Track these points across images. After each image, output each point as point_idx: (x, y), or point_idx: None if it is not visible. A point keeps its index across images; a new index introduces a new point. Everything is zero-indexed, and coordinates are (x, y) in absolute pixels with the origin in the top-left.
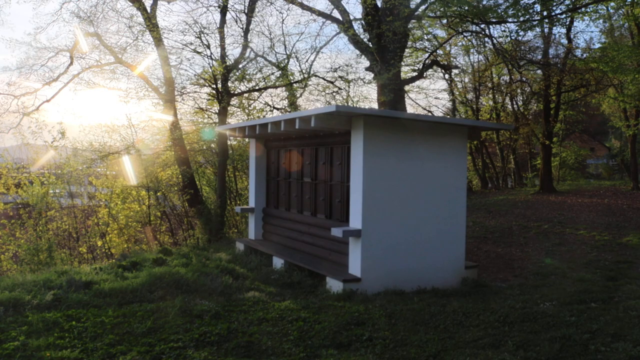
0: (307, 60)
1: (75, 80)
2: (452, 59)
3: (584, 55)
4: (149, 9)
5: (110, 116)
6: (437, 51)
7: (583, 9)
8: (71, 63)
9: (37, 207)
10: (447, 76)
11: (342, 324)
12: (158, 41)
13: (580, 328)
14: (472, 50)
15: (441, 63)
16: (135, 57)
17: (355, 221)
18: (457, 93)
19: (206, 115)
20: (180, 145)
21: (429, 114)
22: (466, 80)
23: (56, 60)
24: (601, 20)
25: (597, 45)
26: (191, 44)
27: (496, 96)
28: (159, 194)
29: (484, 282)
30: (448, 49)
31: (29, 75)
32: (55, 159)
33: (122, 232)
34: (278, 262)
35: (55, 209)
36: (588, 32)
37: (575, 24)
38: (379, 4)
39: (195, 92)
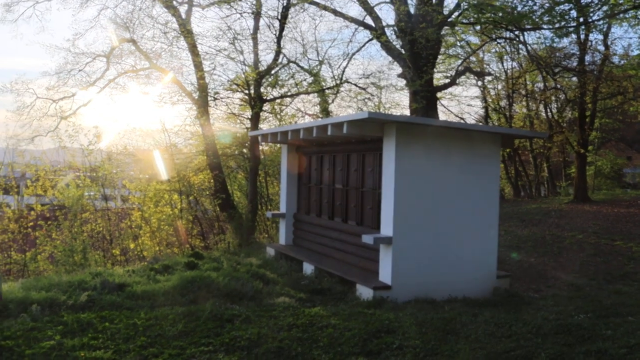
0: (339, 67)
1: (111, 84)
2: (485, 65)
3: (622, 62)
4: (183, 15)
5: (144, 120)
6: (470, 58)
7: (621, 15)
8: (107, 68)
9: (72, 209)
10: (480, 83)
11: (372, 332)
12: (192, 47)
13: (616, 342)
14: (505, 56)
15: (474, 70)
16: (170, 63)
17: (387, 228)
18: (490, 100)
19: (238, 121)
20: (212, 150)
21: (462, 121)
22: (499, 87)
23: (93, 65)
24: None
25: (636, 52)
26: (225, 49)
27: (530, 103)
28: (191, 198)
29: (516, 292)
30: (481, 55)
31: (67, 80)
32: (91, 161)
33: (154, 235)
34: (308, 268)
35: (89, 211)
36: (626, 38)
37: (612, 29)
38: (412, 11)
39: (228, 97)
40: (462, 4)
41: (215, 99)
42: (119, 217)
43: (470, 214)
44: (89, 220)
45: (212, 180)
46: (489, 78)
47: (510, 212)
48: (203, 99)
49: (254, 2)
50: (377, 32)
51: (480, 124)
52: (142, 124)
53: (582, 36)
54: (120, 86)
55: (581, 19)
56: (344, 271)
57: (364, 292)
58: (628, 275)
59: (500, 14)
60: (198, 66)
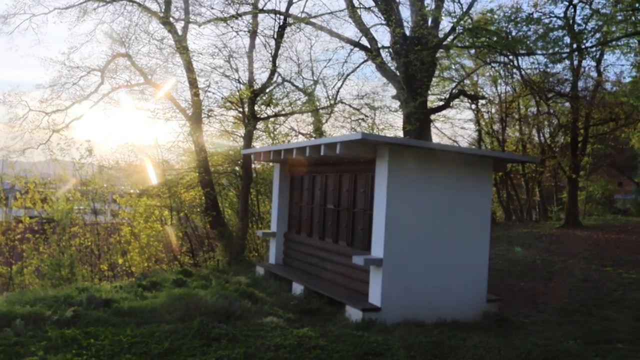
0: (333, 87)
1: (105, 99)
2: (479, 89)
3: (614, 89)
4: (180, 32)
5: (137, 135)
6: (465, 81)
7: (614, 42)
8: (102, 82)
9: (61, 223)
10: (473, 106)
11: (360, 354)
12: (187, 64)
13: None
14: (499, 80)
15: (468, 93)
16: (164, 79)
17: (377, 250)
18: (484, 123)
19: (231, 138)
20: (204, 167)
21: (455, 143)
22: (493, 110)
23: (87, 79)
24: (632, 54)
25: (628, 79)
26: (220, 67)
27: (523, 127)
28: (181, 214)
29: (506, 317)
30: (475, 79)
31: (61, 93)
32: (82, 175)
33: (144, 251)
34: (298, 288)
35: (78, 225)
36: (618, 65)
37: (605, 56)
38: (407, 33)
39: (222, 114)
40: (457, 28)
41: (209, 116)
42: (108, 232)
43: (461, 236)
44: (78, 235)
45: (203, 197)
46: (482, 101)
47: (501, 236)
48: (197, 116)
49: (250, 21)
50: (373, 53)
51: (473, 147)
52: (135, 139)
53: (576, 62)
54: (114, 101)
55: (574, 46)
56: (333, 292)
57: (353, 313)
58: (618, 302)
59: (495, 39)
60: (193, 83)
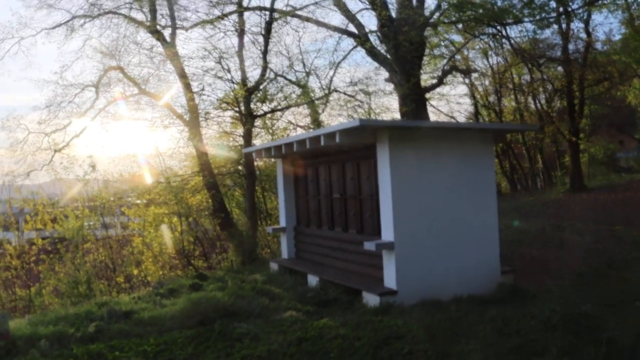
0: (326, 76)
1: (102, 113)
2: (470, 62)
3: (605, 48)
4: (168, 39)
5: (138, 146)
6: (455, 56)
7: (600, 1)
8: (97, 97)
9: (73, 241)
10: (467, 80)
11: (381, 339)
12: (179, 69)
13: (625, 330)
14: (490, 52)
15: (460, 68)
16: (158, 87)
17: (387, 234)
18: (479, 97)
19: (231, 139)
20: (207, 170)
21: (452, 120)
22: (487, 83)
23: (82, 95)
24: (620, 11)
25: (618, 37)
26: (212, 69)
27: (518, 96)
28: (190, 219)
29: (521, 287)
30: (466, 53)
31: (58, 113)
32: (88, 191)
33: (157, 260)
34: (313, 280)
35: (91, 241)
36: (607, 24)
37: (593, 17)
38: (393, 15)
39: (219, 116)
40: (442, 4)
41: (206, 118)
42: (120, 245)
43: (469, 211)
44: (91, 250)
45: (209, 200)
46: (475, 75)
47: (509, 207)
48: (194, 120)
49: (237, 20)
50: (361, 39)
51: (471, 121)
52: (136, 149)
53: (564, 26)
54: (111, 114)
55: (561, 9)
56: (348, 280)
57: (371, 299)
58: (631, 262)
59: (481, 11)
60: (187, 87)
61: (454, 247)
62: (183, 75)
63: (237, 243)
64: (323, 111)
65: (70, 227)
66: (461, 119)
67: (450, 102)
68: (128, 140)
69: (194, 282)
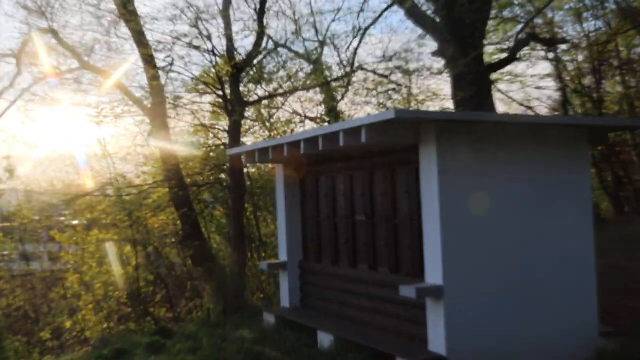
0: (348, 48)
1: (26, 96)
2: (557, 29)
3: None
4: None
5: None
6: (536, 20)
7: None
8: (19, 72)
9: None
10: (551, 55)
11: None
12: (138, 35)
13: None
14: (585, 14)
15: (542, 37)
16: (108, 60)
17: (434, 274)
18: (568, 78)
19: (211, 135)
20: (176, 179)
21: (528, 111)
22: (580, 58)
23: None
24: None
25: None
26: (185, 35)
27: (627, 78)
28: (149, 249)
29: (632, 355)
30: (551, 15)
31: None
32: (2, 207)
33: (100, 307)
34: (326, 339)
35: (4, 278)
36: None
37: None
38: None
39: (195, 102)
40: None
41: (175, 105)
42: (47, 285)
43: (553, 244)
44: (4, 292)
45: (178, 222)
46: (564, 47)
47: (613, 238)
48: (158, 108)
49: None
50: None
51: (557, 113)
52: (74, 148)
53: None
54: (38, 97)
55: None
56: (377, 341)
57: None
58: None
59: None
60: (148, 61)
61: (531, 295)
62: (143, 44)
63: (217, 284)
64: (343, 97)
65: None
66: (542, 110)
67: (527, 86)
68: (63, 134)
69: (154, 340)
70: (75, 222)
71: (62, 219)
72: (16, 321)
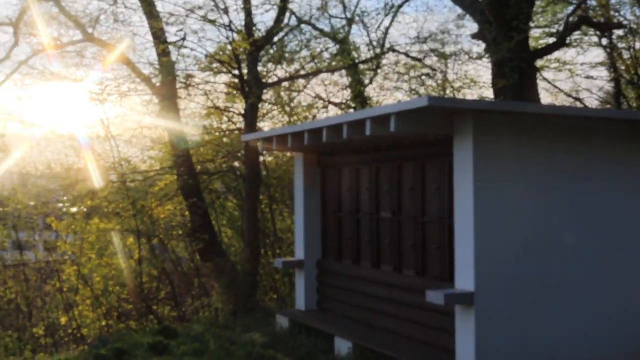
0: (378, 27)
1: (23, 69)
2: (612, 12)
3: None
4: None
5: (78, 123)
6: (588, 2)
7: None
8: (16, 43)
9: None
10: (605, 41)
11: None
12: (148, 6)
13: None
14: None
15: (595, 20)
16: (114, 32)
17: (465, 280)
18: (623, 67)
19: (225, 118)
20: (186, 166)
21: (576, 103)
22: (638, 46)
23: None
24: None
25: None
26: (199, 8)
27: None
28: (154, 241)
29: None
30: None
31: None
32: None
33: (99, 303)
34: (344, 346)
35: None
36: None
37: None
38: None
39: (208, 82)
40: None
41: (187, 85)
42: (42, 277)
43: (605, 249)
44: None
45: (187, 213)
46: (619, 32)
47: None
48: (168, 86)
49: None
50: None
51: (609, 106)
52: (75, 128)
53: None
54: (37, 70)
55: None
56: (400, 350)
57: None
58: None
59: None
60: (159, 36)
61: (580, 308)
62: (154, 16)
63: (227, 282)
64: (371, 81)
65: None
66: (592, 102)
67: (576, 75)
68: (63, 113)
69: (157, 340)
70: (74, 210)
71: (60, 205)
72: (7, 315)
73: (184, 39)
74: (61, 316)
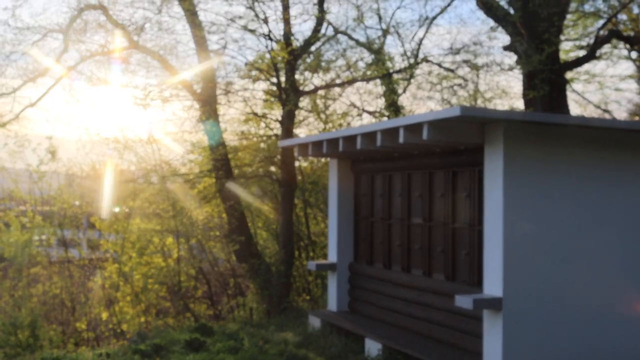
0: (413, 38)
1: (72, 74)
2: None
3: None
4: None
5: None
6: (619, 16)
7: None
8: (65, 49)
9: (15, 262)
10: (634, 54)
11: None
12: (191, 15)
13: None
14: None
15: (625, 34)
16: (158, 40)
17: (493, 285)
18: None
19: (263, 124)
20: (224, 170)
21: (605, 115)
22: None
23: (44, 45)
24: None
25: None
26: (240, 17)
27: None
28: (193, 241)
29: None
30: (636, 11)
31: (5, 68)
32: (42, 190)
33: (138, 299)
34: (373, 347)
35: (41, 264)
36: None
37: None
38: None
39: (247, 89)
40: None
41: (227, 91)
42: (85, 273)
43: (625, 254)
44: (41, 279)
45: (224, 215)
46: None
47: None
48: (209, 93)
49: None
50: None
51: (637, 118)
52: (119, 132)
53: None
54: (85, 76)
55: None
56: (428, 352)
57: None
58: None
59: None
60: (201, 44)
61: (606, 313)
62: (196, 25)
63: (262, 283)
64: (405, 91)
65: (12, 241)
66: (620, 114)
67: (605, 87)
68: (108, 117)
69: (193, 337)
70: (116, 209)
71: (103, 204)
72: (52, 309)
73: (224, 47)
74: (102, 311)
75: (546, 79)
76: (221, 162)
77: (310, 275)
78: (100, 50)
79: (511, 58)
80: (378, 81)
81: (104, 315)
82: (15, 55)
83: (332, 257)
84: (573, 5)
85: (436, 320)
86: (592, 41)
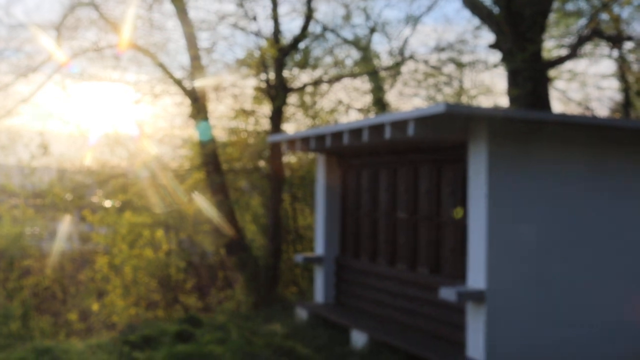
0: (399, 36)
1: (64, 70)
2: (623, 26)
3: None
4: None
5: (112, 122)
6: (600, 15)
7: None
8: (57, 46)
9: (7, 255)
10: (615, 53)
11: None
12: (181, 12)
13: None
14: None
15: (606, 34)
16: (149, 37)
17: (476, 278)
18: (632, 79)
19: (252, 120)
20: (213, 165)
21: (587, 112)
22: None
23: (36, 42)
24: None
25: None
26: (230, 15)
27: None
28: (182, 235)
29: None
30: (617, 11)
31: None
32: (34, 183)
33: (129, 292)
34: (359, 339)
35: (33, 256)
36: None
37: None
38: None
39: (236, 86)
40: None
41: (217, 88)
42: (76, 266)
43: (605, 250)
44: (32, 271)
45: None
46: (631, 45)
47: None
48: (198, 89)
49: None
50: None
51: (618, 115)
52: (110, 127)
53: None
54: (77, 72)
55: None
56: (413, 343)
57: None
58: None
59: None
60: (191, 41)
61: (587, 306)
62: (187, 23)
63: (250, 275)
64: (391, 87)
65: (4, 233)
66: (602, 111)
67: (587, 86)
68: (99, 112)
69: (182, 328)
70: (107, 203)
71: (94, 198)
72: (43, 301)
73: (214, 44)
74: (93, 303)
75: (529, 77)
76: (210, 157)
77: (298, 269)
78: (91, 46)
79: (496, 56)
80: (365, 78)
81: (95, 307)
82: (8, 51)
83: (319, 250)
84: (556, 5)
85: (420, 312)
86: (574, 40)
